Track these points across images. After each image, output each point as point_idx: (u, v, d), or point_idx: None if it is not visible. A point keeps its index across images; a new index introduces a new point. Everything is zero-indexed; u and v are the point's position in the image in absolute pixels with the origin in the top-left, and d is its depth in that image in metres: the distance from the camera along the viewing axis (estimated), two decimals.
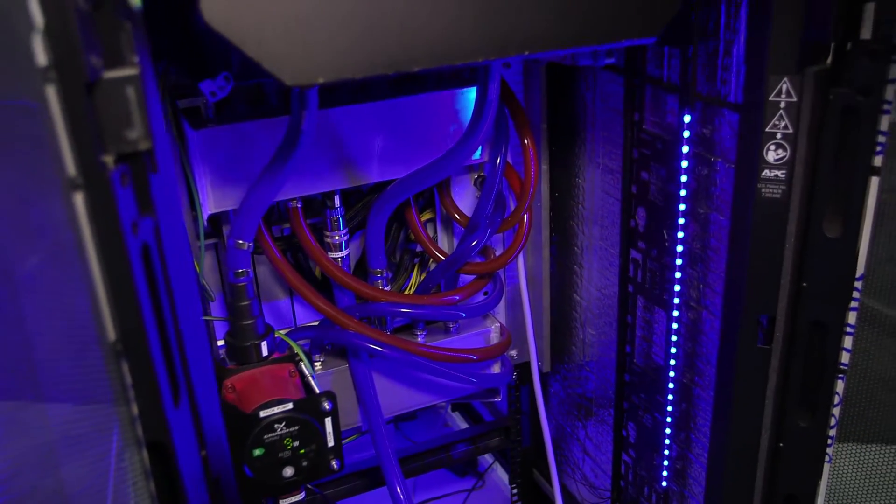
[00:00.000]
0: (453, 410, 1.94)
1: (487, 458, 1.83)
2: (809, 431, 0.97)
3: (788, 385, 0.96)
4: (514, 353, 1.38)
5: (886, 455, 1.04)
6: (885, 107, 0.80)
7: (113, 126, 0.56)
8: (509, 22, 0.76)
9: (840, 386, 0.94)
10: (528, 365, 1.43)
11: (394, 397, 1.29)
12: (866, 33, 0.79)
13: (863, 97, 0.81)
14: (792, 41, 0.83)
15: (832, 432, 0.97)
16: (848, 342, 0.91)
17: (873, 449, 1.02)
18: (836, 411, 0.96)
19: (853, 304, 0.89)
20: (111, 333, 0.58)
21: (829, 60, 0.82)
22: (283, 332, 1.21)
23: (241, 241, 1.03)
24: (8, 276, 0.60)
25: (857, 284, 0.88)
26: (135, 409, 0.60)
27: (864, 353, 0.92)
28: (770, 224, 0.90)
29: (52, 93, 0.52)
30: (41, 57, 0.51)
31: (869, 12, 0.78)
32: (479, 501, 1.74)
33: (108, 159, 0.56)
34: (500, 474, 1.79)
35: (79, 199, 0.55)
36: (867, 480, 1.03)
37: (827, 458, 0.99)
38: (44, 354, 0.64)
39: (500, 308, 1.39)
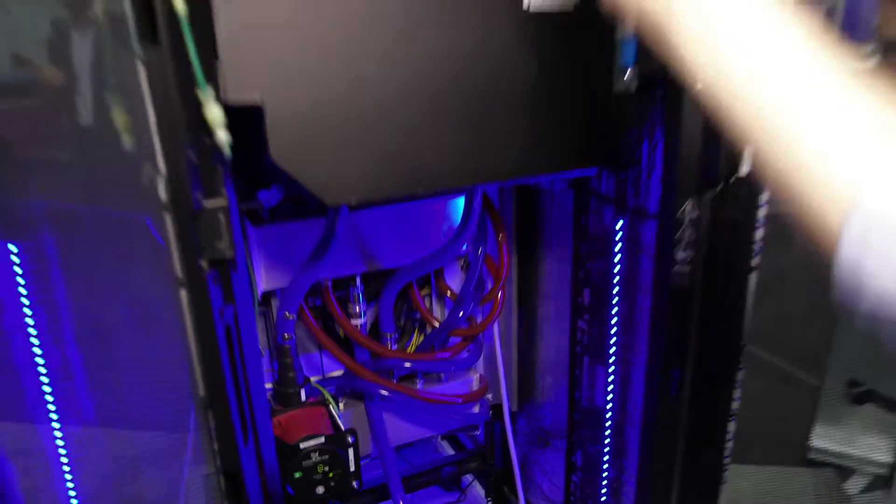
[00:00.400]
0: (442, 440, 1.95)
1: (468, 477, 1.84)
2: (709, 462, 1.01)
3: (694, 424, 1.00)
4: (489, 396, 1.41)
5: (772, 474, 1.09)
6: (758, 224, 0.86)
7: (208, 241, 0.61)
8: (490, 159, 0.82)
9: (732, 426, 0.98)
10: (500, 406, 1.46)
11: (398, 430, 1.32)
12: (744, 171, 0.86)
13: (743, 215, 0.87)
14: (693, 173, 0.89)
15: (727, 460, 1.01)
16: (737, 393, 0.96)
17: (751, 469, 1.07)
18: (728, 446, 1.00)
19: (740, 365, 0.94)
20: (201, 390, 0.62)
21: (719, 189, 0.88)
22: (314, 379, 1.24)
23: (287, 313, 1.08)
24: (126, 341, 0.65)
25: (742, 350, 0.94)
26: (216, 447, 0.64)
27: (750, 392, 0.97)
28: (680, 303, 0.95)
29: (169, 219, 0.57)
30: (163, 195, 0.57)
31: (746, 156, 0.85)
32: None
33: (205, 264, 0.61)
34: (479, 490, 1.80)
35: (183, 294, 0.60)
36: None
37: (723, 480, 1.03)
38: (138, 396, 0.68)
39: (480, 362, 1.42)
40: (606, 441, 1.22)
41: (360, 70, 0.72)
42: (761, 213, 0.86)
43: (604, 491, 1.26)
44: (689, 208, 0.90)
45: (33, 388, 0.65)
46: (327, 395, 1.10)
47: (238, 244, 0.67)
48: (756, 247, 0.87)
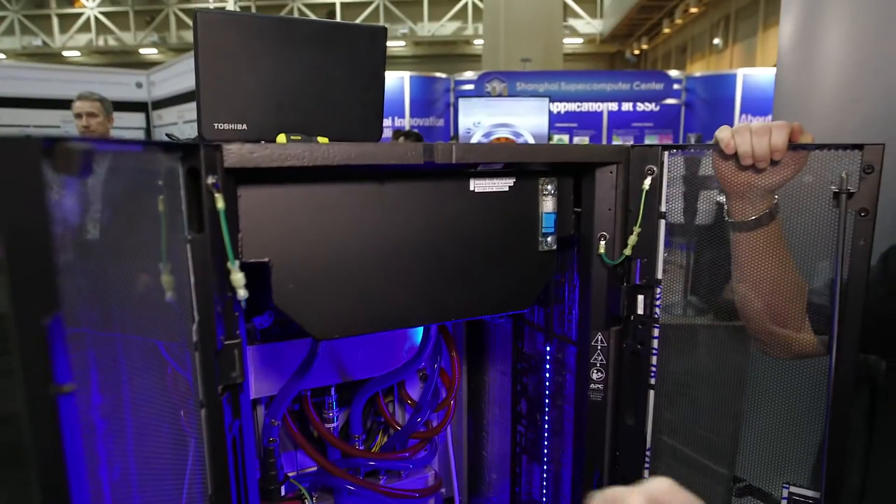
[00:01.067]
0: None
1: None
2: None
3: None
4: (443, 490, 1.49)
5: None
6: (654, 351, 1.01)
7: (225, 371, 0.73)
8: (443, 303, 0.96)
9: None
10: (452, 499, 1.54)
11: None
12: (640, 310, 1.01)
13: (640, 346, 1.02)
14: (601, 312, 1.04)
15: None
16: None
17: None
18: None
19: (646, 465, 1.06)
20: (210, 489, 0.72)
21: (622, 324, 1.03)
22: (291, 474, 1.32)
23: (273, 420, 1.17)
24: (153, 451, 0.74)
25: (647, 454, 1.06)
26: None
27: None
28: (596, 415, 1.08)
29: (197, 357, 0.69)
30: (195, 336, 0.69)
31: (640, 300, 1.01)
32: None
33: (220, 389, 0.72)
34: None
35: (203, 413, 0.71)
36: None
37: None
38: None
39: (434, 461, 1.51)
40: None
41: (345, 239, 0.87)
42: (655, 343, 1.01)
43: None
44: (600, 339, 1.05)
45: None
46: (303, 491, 1.18)
47: (247, 373, 0.79)
48: (653, 371, 1.01)
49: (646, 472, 1.07)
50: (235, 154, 0.72)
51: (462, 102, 5.79)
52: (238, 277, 0.70)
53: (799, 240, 0.94)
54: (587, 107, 5.24)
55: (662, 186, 0.97)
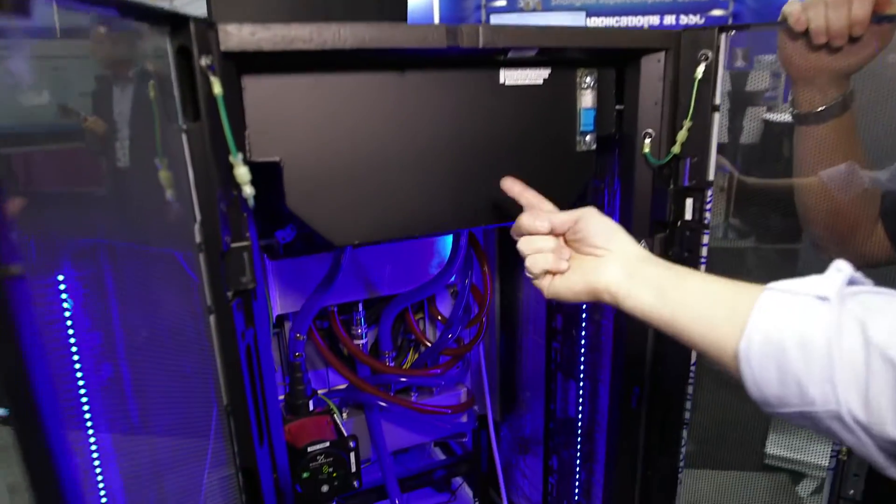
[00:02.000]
0: (435, 446, 1.99)
1: (458, 479, 1.88)
2: (666, 464, 1.06)
3: (651, 433, 1.05)
4: (475, 407, 1.46)
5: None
6: (702, 260, 0.92)
7: (234, 275, 0.67)
8: (474, 207, 0.88)
9: (684, 433, 1.03)
10: (485, 416, 1.51)
11: (395, 437, 1.37)
12: (688, 216, 0.92)
13: (688, 254, 0.93)
14: (645, 218, 0.95)
15: (681, 463, 1.06)
16: (688, 405, 1.01)
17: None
18: (682, 450, 1.05)
19: (690, 380, 0.99)
20: (225, 399, 0.68)
21: (667, 231, 0.94)
22: (321, 391, 1.29)
23: (298, 335, 1.13)
24: (164, 360, 0.70)
25: (692, 369, 0.99)
26: (235, 447, 0.69)
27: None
28: (638, 329, 1.01)
29: (202, 258, 0.63)
30: (198, 237, 0.63)
31: (689, 204, 0.91)
32: None
33: (230, 295, 0.67)
34: (467, 491, 1.83)
35: (212, 319, 0.65)
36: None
37: (679, 481, 1.07)
38: (165, 407, 0.72)
39: (467, 377, 1.48)
40: (578, 447, 1.27)
41: (363, 136, 0.78)
42: (704, 251, 0.92)
43: (577, 491, 1.30)
44: (644, 246, 0.96)
45: (72, 400, 0.68)
46: (332, 406, 1.14)
47: (258, 279, 0.73)
48: None
49: (689, 388, 1.01)
50: (235, 36, 0.63)
51: (494, 19, 5.50)
52: (242, 172, 0.63)
53: (877, 133, 0.82)
54: (626, 21, 4.91)
55: (717, 75, 0.86)
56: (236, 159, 0.62)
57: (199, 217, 0.62)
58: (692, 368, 0.99)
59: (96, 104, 0.78)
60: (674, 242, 0.94)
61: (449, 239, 1.26)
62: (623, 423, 1.07)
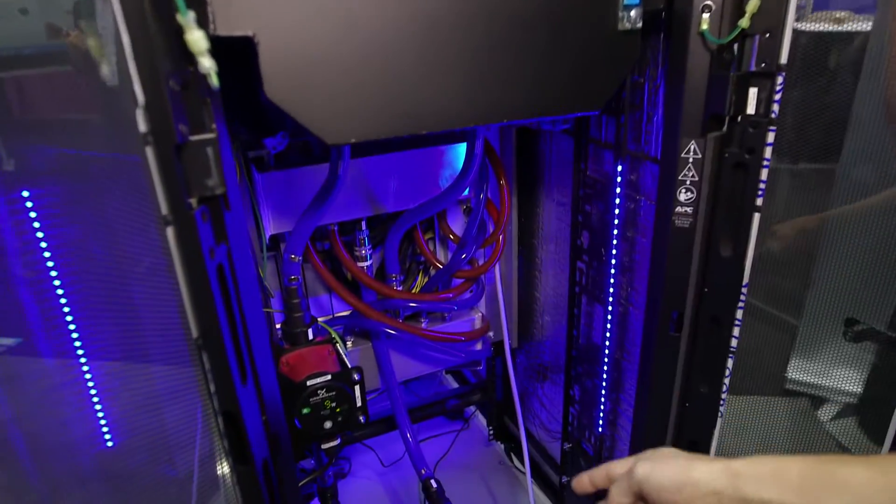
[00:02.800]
0: (447, 374, 1.90)
1: (471, 408, 1.79)
2: (707, 396, 0.94)
3: (693, 362, 0.93)
4: (491, 334, 1.35)
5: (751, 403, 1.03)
6: (765, 162, 0.77)
7: (196, 177, 0.52)
8: (492, 99, 0.72)
9: (730, 363, 0.91)
10: (501, 343, 1.39)
11: (404, 367, 1.26)
12: (751, 109, 0.76)
13: (749, 155, 0.77)
14: (697, 114, 0.79)
15: (724, 396, 0.94)
16: (736, 331, 0.88)
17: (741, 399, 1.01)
18: (726, 381, 0.93)
19: (740, 304, 0.86)
20: (194, 331, 0.55)
21: (724, 128, 0.79)
22: (322, 319, 1.18)
23: (293, 256, 1.00)
24: (119, 280, 0.57)
25: (744, 290, 0.85)
26: (212, 388, 0.57)
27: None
28: (681, 246, 0.87)
29: (150, 153, 0.49)
30: (142, 126, 0.48)
31: (753, 94, 0.75)
32: (466, 439, 1.70)
33: (193, 202, 0.53)
34: (480, 420, 1.76)
35: (170, 232, 0.52)
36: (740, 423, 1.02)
37: (720, 414, 0.96)
38: (152, 333, 0.60)
39: (481, 302, 1.35)
40: (604, 376, 1.15)
41: (358, 8, 0.62)
42: (768, 152, 0.76)
43: (600, 423, 1.20)
44: (692, 149, 0.81)
45: (55, 325, 0.57)
46: (334, 334, 1.02)
47: (231, 184, 0.59)
48: (761, 188, 0.78)
49: (739, 314, 0.87)
50: None
51: None
52: (196, 38, 0.47)
53: None
54: None
55: None
56: (186, 19, 0.46)
57: (141, 98, 0.47)
58: (743, 291, 0.86)
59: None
60: (732, 141, 0.78)
61: (462, 147, 1.11)
62: (659, 350, 0.94)
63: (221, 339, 0.55)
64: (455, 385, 1.85)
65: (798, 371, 1.86)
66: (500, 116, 0.74)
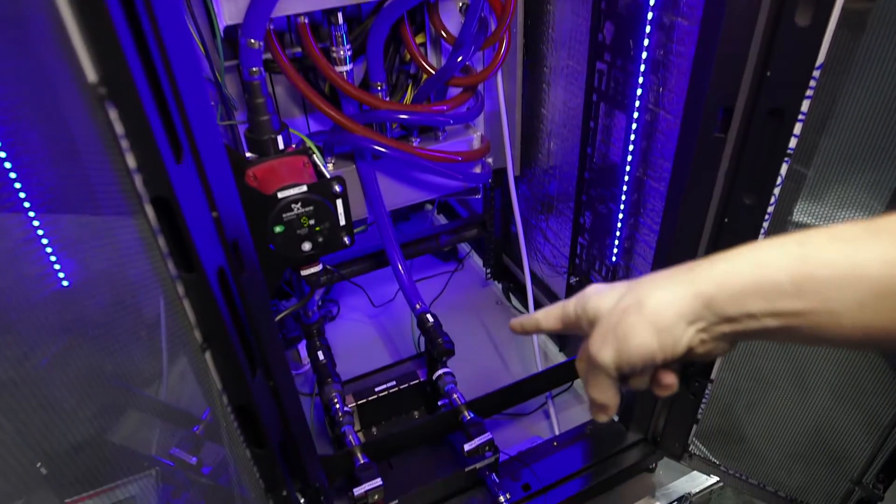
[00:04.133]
0: (438, 213, 1.76)
1: (465, 248, 1.67)
2: (752, 209, 0.80)
3: (739, 167, 0.78)
4: (490, 160, 1.18)
5: None
6: (814, 72, 0.57)
7: None
8: None
9: (784, 168, 0.76)
10: (501, 171, 1.23)
11: (393, 194, 1.10)
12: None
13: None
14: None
15: (770, 209, 0.80)
16: (798, 129, 0.72)
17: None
18: (776, 191, 0.78)
19: (809, 91, 0.69)
20: (90, 75, 0.37)
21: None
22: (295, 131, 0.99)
23: (252, 41, 0.80)
24: None
25: (815, 73, 0.68)
26: (131, 162, 0.40)
27: None
28: (739, 19, 0.68)
29: None
30: None
31: None
32: (461, 280, 1.59)
33: None
34: (476, 260, 1.64)
35: None
36: None
37: (762, 231, 0.82)
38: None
39: (480, 121, 1.17)
40: (622, 198, 1.00)
41: None
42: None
43: (615, 252, 1.07)
44: None
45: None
46: (309, 143, 0.85)
47: None
48: None
49: (805, 104, 0.71)
50: None
51: None
52: None
53: None
54: None
55: None
56: None
57: None
58: (815, 75, 0.68)
59: None
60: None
61: None
62: (699, 156, 0.79)
63: (135, 87, 0.37)
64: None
65: (804, 214, 1.69)
66: None
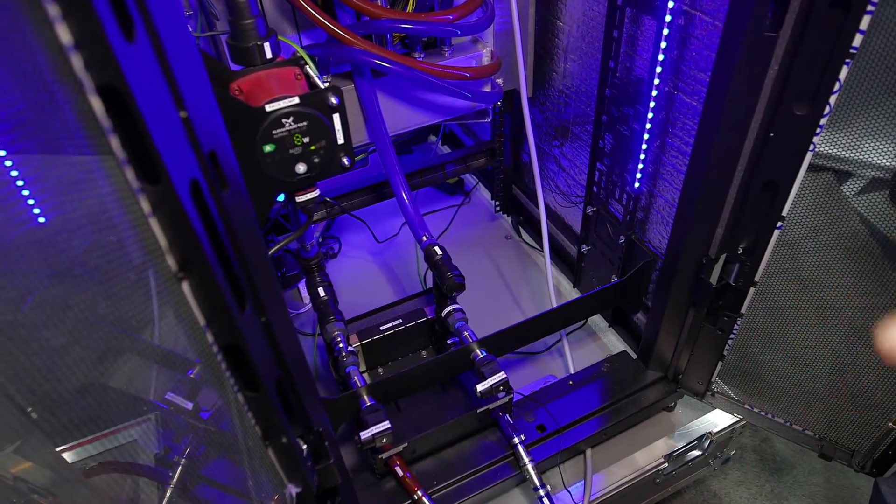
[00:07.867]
0: (443, 144, 1.66)
1: (472, 182, 1.58)
2: (803, 120, 0.70)
3: (791, 73, 0.68)
4: (500, 80, 1.07)
5: None
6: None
7: None
8: None
9: (844, 72, 0.66)
10: (511, 94, 1.13)
11: (395, 116, 1.00)
12: None
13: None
14: None
15: (823, 121, 0.71)
16: (865, 22, 0.62)
17: None
18: (832, 99, 0.68)
19: None
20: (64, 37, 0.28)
21: None
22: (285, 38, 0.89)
23: None
24: None
25: None
26: (64, 37, 0.31)
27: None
28: None
29: None
30: None
31: None
32: (468, 213, 1.50)
33: None
34: (483, 192, 1.55)
35: None
36: None
37: (811, 147, 0.73)
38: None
39: (489, 37, 1.06)
40: (649, 115, 0.91)
41: None
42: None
43: (638, 178, 0.98)
44: None
45: None
46: (301, 52, 0.75)
47: None
48: None
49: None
50: None
51: None
52: None
53: None
54: None
55: None
56: None
57: None
58: None
59: None
60: None
61: None
62: (746, 57, 0.69)
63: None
64: None
65: (826, 143, 1.57)
66: None
